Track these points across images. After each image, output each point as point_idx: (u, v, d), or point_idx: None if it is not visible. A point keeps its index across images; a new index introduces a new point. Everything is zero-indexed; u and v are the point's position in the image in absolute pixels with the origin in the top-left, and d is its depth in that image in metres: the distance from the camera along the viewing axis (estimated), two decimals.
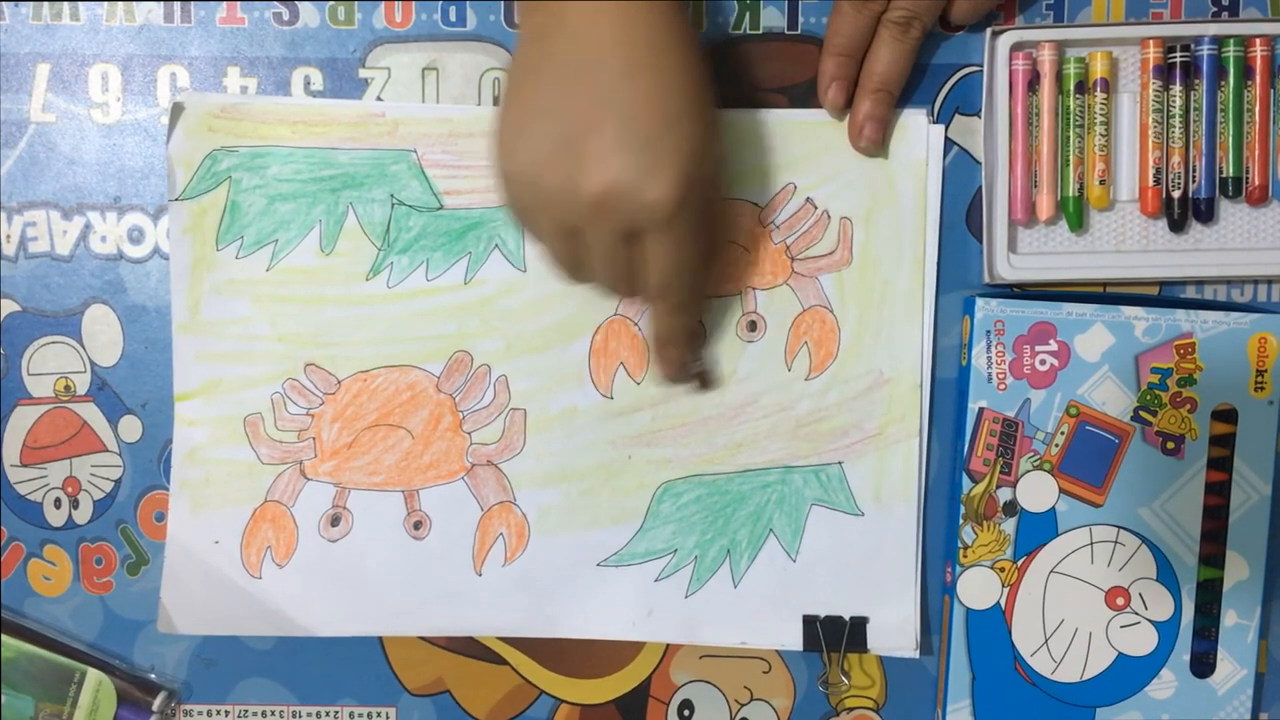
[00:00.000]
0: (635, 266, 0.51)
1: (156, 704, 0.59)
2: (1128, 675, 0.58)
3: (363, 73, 0.58)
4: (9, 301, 0.59)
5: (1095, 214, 0.58)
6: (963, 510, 0.57)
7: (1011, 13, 0.58)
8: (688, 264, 0.51)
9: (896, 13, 0.55)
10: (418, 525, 0.58)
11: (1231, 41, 0.56)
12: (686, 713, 0.60)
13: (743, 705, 0.60)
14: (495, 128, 0.50)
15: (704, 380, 0.58)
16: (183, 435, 0.59)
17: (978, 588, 0.58)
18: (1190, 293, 0.59)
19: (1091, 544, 0.57)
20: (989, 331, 0.57)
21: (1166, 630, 0.58)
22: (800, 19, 0.58)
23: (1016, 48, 0.56)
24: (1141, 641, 0.58)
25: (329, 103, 0.58)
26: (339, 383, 0.58)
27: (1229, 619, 0.57)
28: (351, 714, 0.60)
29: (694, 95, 0.49)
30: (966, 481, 0.57)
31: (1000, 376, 0.57)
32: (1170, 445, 0.57)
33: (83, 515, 0.59)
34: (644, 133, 0.48)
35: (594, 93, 0.48)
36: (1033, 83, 0.57)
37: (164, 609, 0.59)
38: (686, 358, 0.56)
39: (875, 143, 0.57)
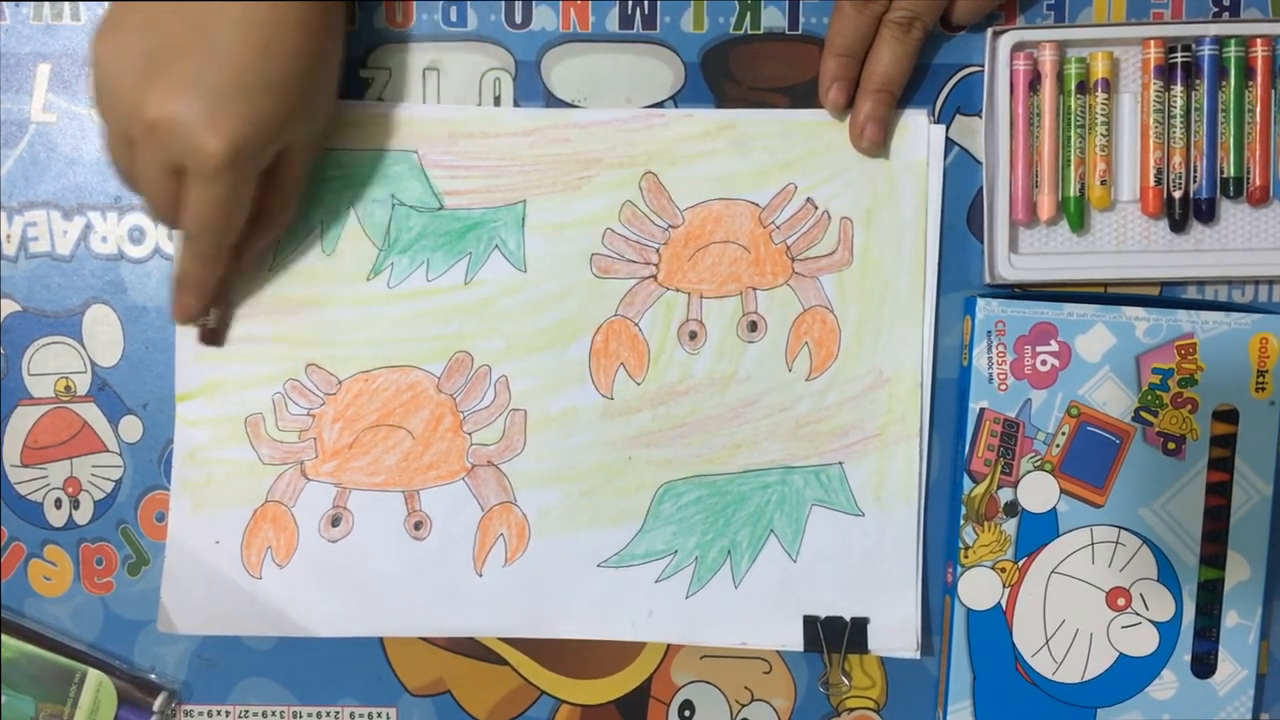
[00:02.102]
0: (178, 199, 0.51)
1: (157, 704, 0.59)
2: (1129, 676, 0.58)
3: (363, 73, 0.58)
4: (9, 301, 0.59)
5: (1096, 214, 0.58)
6: (963, 511, 0.57)
7: (1012, 13, 0.58)
8: (222, 220, 0.51)
9: (898, 13, 0.55)
10: (418, 526, 0.58)
11: (1233, 42, 0.56)
12: (687, 713, 0.60)
13: (743, 706, 0.60)
14: (108, 9, 0.51)
15: (209, 337, 0.58)
16: (183, 435, 0.59)
17: (978, 588, 0.57)
18: (1191, 293, 0.59)
19: (1092, 544, 0.57)
20: (990, 332, 0.57)
21: (1167, 631, 0.58)
22: (801, 19, 0.58)
23: (1017, 48, 0.56)
24: (1142, 642, 0.58)
25: None
26: (340, 383, 0.58)
27: (1230, 619, 0.57)
28: (352, 714, 0.60)
29: (299, 72, 0.50)
30: (967, 482, 0.57)
31: (1001, 377, 0.57)
32: (1171, 446, 0.57)
33: (83, 515, 0.59)
34: (224, 82, 0.48)
35: (201, 23, 0.49)
36: (1034, 83, 0.57)
37: (164, 609, 0.59)
38: (197, 308, 0.56)
39: (876, 143, 0.57)
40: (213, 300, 0.56)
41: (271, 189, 0.54)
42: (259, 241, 0.56)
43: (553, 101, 0.58)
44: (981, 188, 0.58)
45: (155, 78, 0.49)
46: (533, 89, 0.58)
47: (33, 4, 0.58)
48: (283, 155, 0.53)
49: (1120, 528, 0.57)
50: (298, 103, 0.51)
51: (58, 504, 0.59)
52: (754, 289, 0.58)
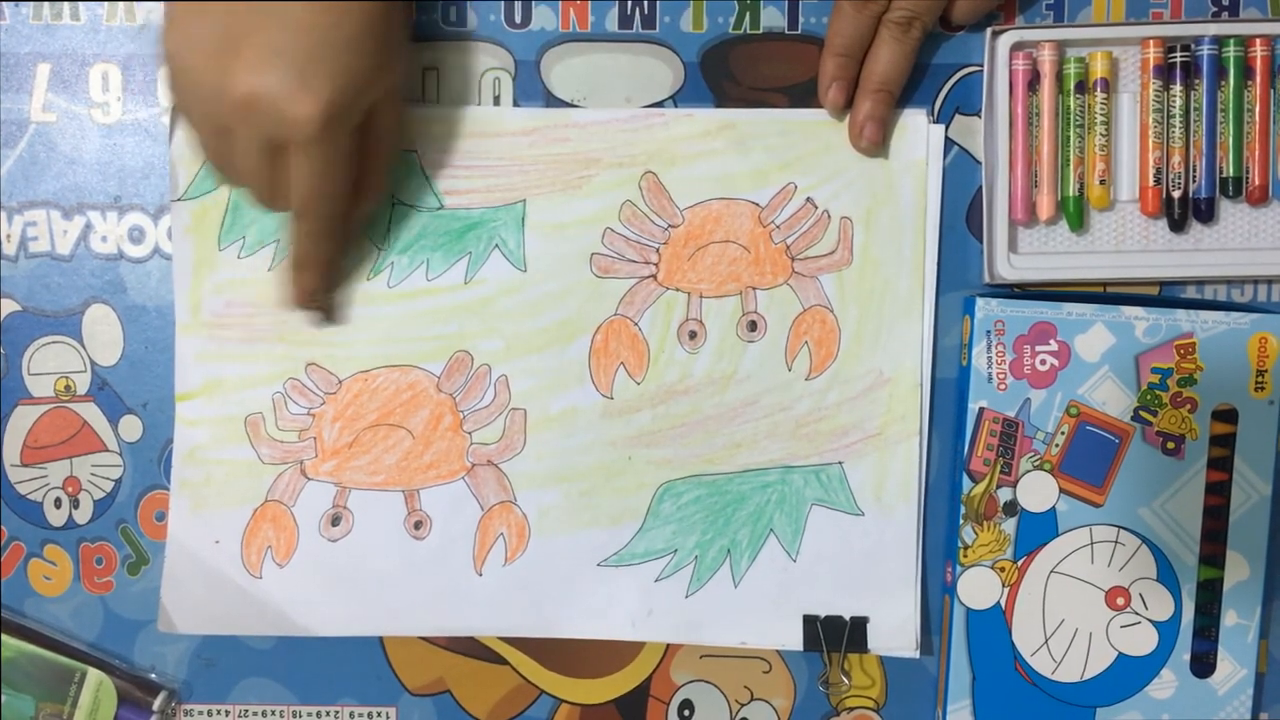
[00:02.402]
0: (280, 180, 0.51)
1: (157, 704, 0.59)
2: (1128, 675, 0.58)
3: None
4: (9, 301, 0.59)
5: (1095, 214, 0.58)
6: (963, 510, 0.57)
7: (1011, 13, 0.58)
8: (329, 189, 0.51)
9: (897, 13, 0.55)
10: (418, 525, 0.58)
11: (1232, 41, 0.56)
12: (687, 713, 0.60)
13: (743, 705, 0.60)
14: (165, 6, 0.50)
15: (328, 314, 0.58)
16: (183, 435, 0.59)
17: (978, 588, 0.58)
18: (1190, 293, 0.59)
19: (1092, 544, 0.57)
20: (989, 331, 0.57)
21: (1167, 630, 0.58)
22: (800, 19, 0.58)
23: (1017, 48, 0.56)
24: (1142, 641, 0.58)
25: None
26: (340, 382, 0.58)
27: (1229, 619, 0.57)
28: (352, 714, 0.60)
29: (372, 27, 0.49)
30: (967, 481, 0.57)
31: (1000, 376, 0.57)
32: (1170, 445, 0.57)
33: (83, 515, 0.59)
34: (304, 48, 0.48)
35: None
36: (1033, 83, 0.57)
37: (164, 609, 0.59)
38: (317, 286, 0.56)
39: (875, 143, 0.57)
40: (332, 278, 0.56)
41: (364, 153, 0.53)
42: (362, 210, 0.55)
43: (552, 101, 0.58)
44: (981, 187, 0.58)
45: (235, 56, 0.48)
46: (532, 89, 0.58)
47: (33, 4, 0.59)
48: (370, 115, 0.52)
49: (1119, 527, 0.57)
50: (378, 53, 0.50)
51: (57, 503, 0.59)
52: (754, 288, 0.58)
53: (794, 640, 0.58)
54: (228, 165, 0.52)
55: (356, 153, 0.52)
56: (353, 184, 0.53)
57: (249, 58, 0.48)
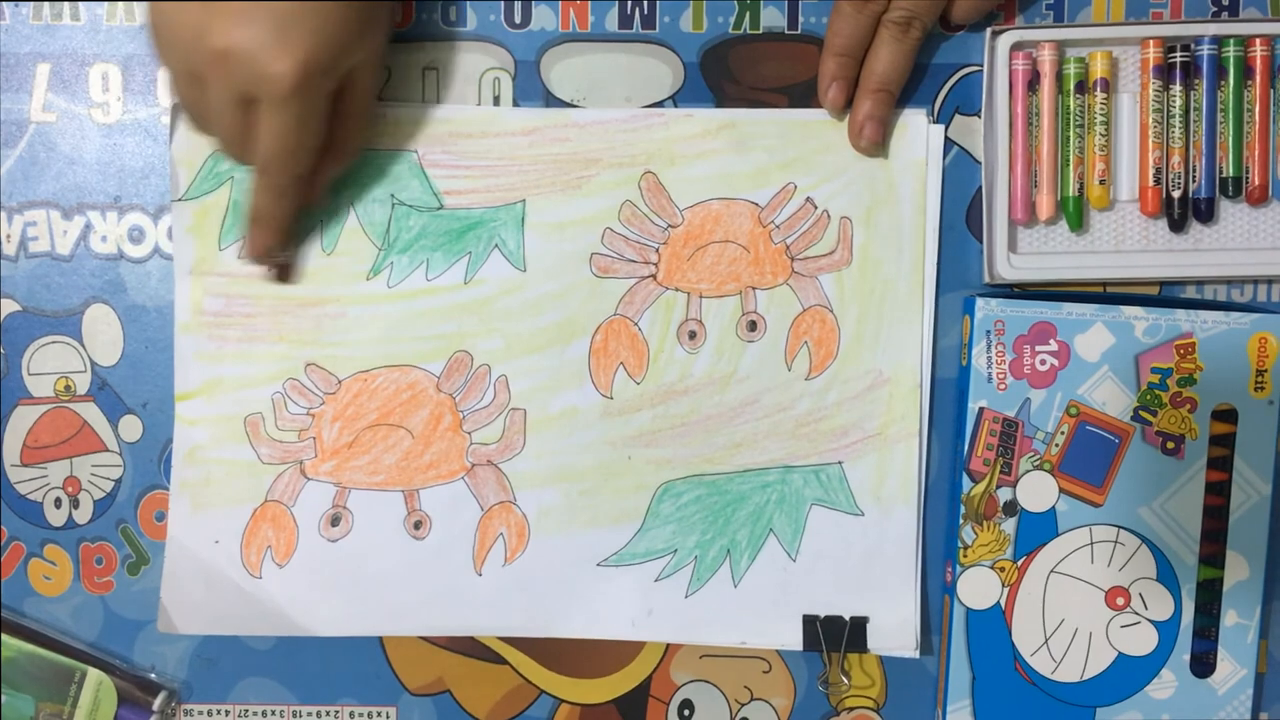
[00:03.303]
0: (250, 132, 0.51)
1: (157, 704, 0.59)
2: (1128, 675, 0.58)
3: None
4: (9, 301, 0.59)
5: (1095, 214, 0.58)
6: (963, 510, 0.57)
7: (1011, 13, 0.58)
8: (297, 147, 0.51)
9: (896, 13, 0.55)
10: (418, 525, 0.58)
11: (1231, 41, 0.56)
12: (687, 712, 0.60)
13: (743, 705, 0.60)
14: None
15: (283, 273, 0.58)
16: (183, 435, 0.59)
17: (978, 587, 0.58)
18: (1190, 293, 0.59)
19: (1091, 544, 0.57)
20: (989, 331, 0.57)
21: (1166, 630, 0.58)
22: (800, 19, 0.58)
23: (1016, 48, 0.56)
24: (1141, 641, 0.58)
25: None
26: (339, 382, 0.58)
27: (1229, 619, 0.57)
28: (351, 714, 0.60)
29: None
30: (966, 481, 0.57)
31: (1000, 376, 0.57)
32: (1170, 445, 0.57)
33: (83, 515, 0.59)
34: (286, 5, 0.48)
35: None
36: (1033, 83, 0.57)
37: (164, 609, 0.59)
38: (272, 243, 0.55)
39: (875, 143, 0.57)
40: (288, 236, 0.56)
41: (338, 115, 0.53)
42: (329, 172, 0.55)
43: (552, 101, 0.58)
44: (980, 187, 0.58)
45: (216, 8, 0.48)
46: (532, 89, 0.58)
47: (33, 4, 0.59)
48: (347, 79, 0.52)
49: (1119, 527, 0.57)
50: (360, 19, 0.50)
51: (57, 503, 0.59)
52: (753, 288, 0.58)
53: (794, 640, 0.58)
54: (200, 113, 0.52)
55: (329, 114, 0.52)
56: (322, 145, 0.53)
57: (229, 10, 0.48)
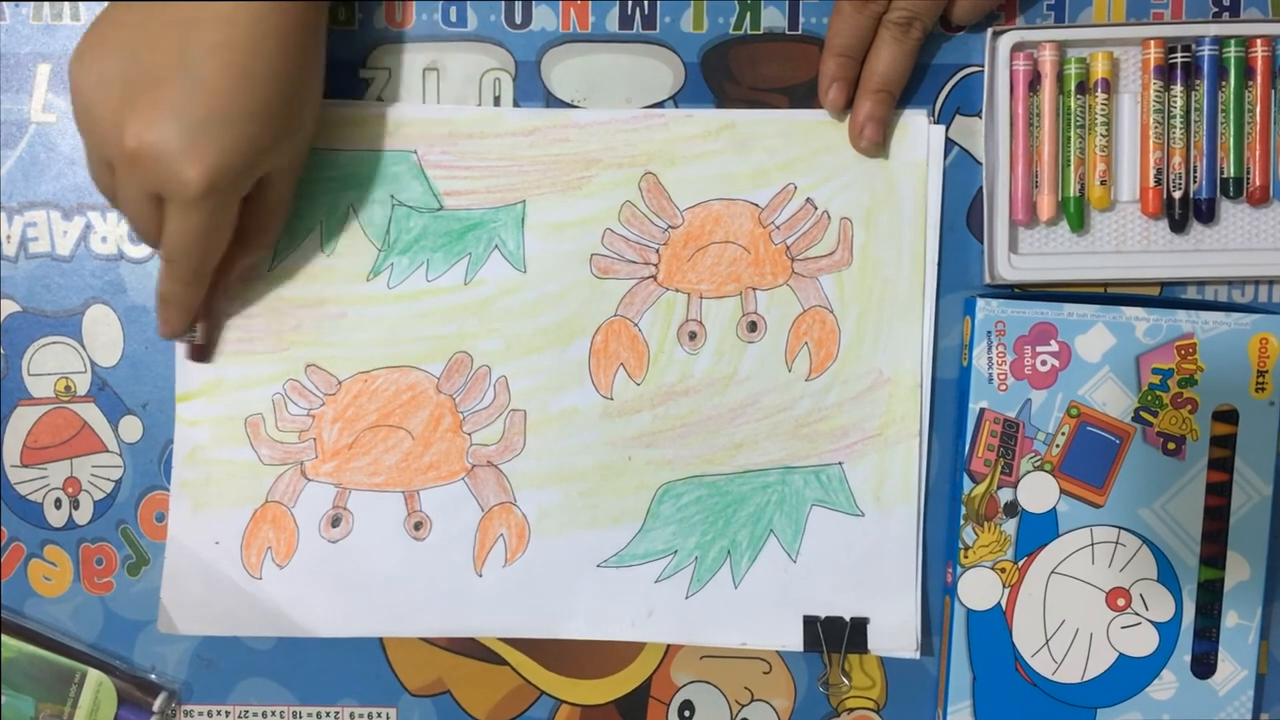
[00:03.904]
0: (159, 223, 0.51)
1: (157, 704, 0.59)
2: (1128, 676, 0.58)
3: (363, 73, 0.58)
4: (9, 301, 0.59)
5: (1096, 214, 0.58)
6: (963, 511, 0.57)
7: (1012, 13, 0.58)
8: (202, 246, 0.51)
9: (897, 13, 0.55)
10: (418, 526, 0.58)
11: (1232, 42, 0.56)
12: (687, 713, 0.60)
13: (743, 706, 0.60)
14: (86, 31, 0.50)
15: (197, 353, 0.58)
16: (183, 435, 0.59)
17: (978, 588, 0.57)
18: (1191, 293, 0.59)
19: (1092, 545, 0.57)
20: (990, 332, 0.57)
21: (1167, 631, 0.58)
22: (800, 19, 0.58)
23: (1017, 48, 0.56)
24: (1142, 642, 0.58)
25: (330, 103, 0.58)
26: (339, 383, 0.58)
27: (1230, 620, 0.57)
28: (351, 714, 0.60)
29: (281, 97, 0.50)
30: (967, 482, 0.57)
31: (1001, 377, 0.57)
32: (1171, 446, 0.57)
33: (83, 515, 0.59)
34: (203, 112, 0.48)
35: (180, 50, 0.48)
36: (1034, 83, 0.57)
37: (164, 609, 0.59)
38: (180, 326, 0.56)
39: (876, 143, 0.57)
40: (196, 317, 0.56)
41: (253, 212, 0.53)
42: (241, 262, 0.55)
43: (552, 101, 0.58)
44: (981, 188, 0.58)
45: (133, 107, 0.48)
46: (532, 89, 0.58)
47: (32, 4, 0.58)
48: (264, 180, 0.52)
49: (1120, 528, 0.57)
50: (278, 128, 0.51)
51: (57, 504, 0.59)
52: (754, 289, 0.58)
53: (794, 641, 0.58)
54: (111, 196, 0.52)
55: (244, 213, 0.52)
56: (231, 240, 0.53)
57: (145, 112, 0.48)
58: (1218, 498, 0.57)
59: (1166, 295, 0.59)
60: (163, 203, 0.50)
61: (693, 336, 0.58)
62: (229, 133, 0.49)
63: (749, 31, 0.58)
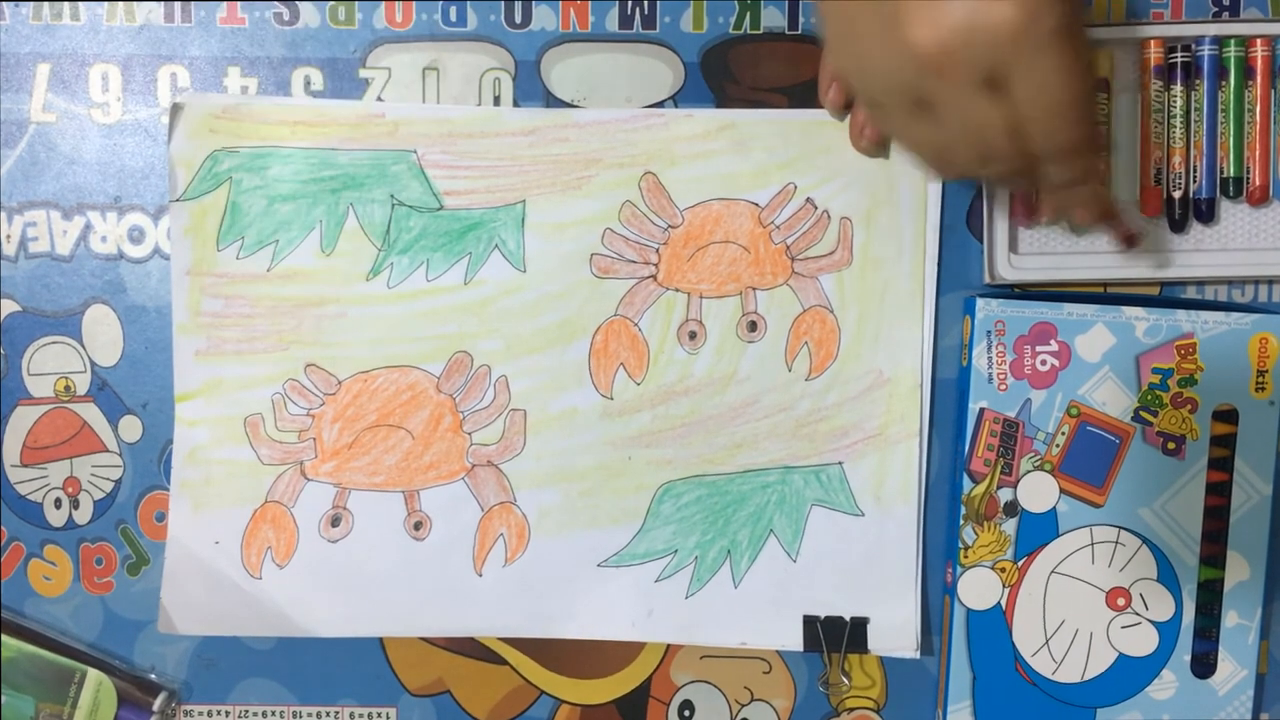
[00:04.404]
0: (1011, 125, 0.44)
1: (157, 704, 0.59)
2: (1128, 676, 0.58)
3: (363, 73, 0.58)
4: (9, 301, 0.59)
5: None
6: (963, 510, 0.57)
7: None
8: (1076, 91, 0.43)
9: None
10: (418, 526, 0.58)
11: (1232, 42, 0.56)
12: (687, 713, 0.60)
13: (743, 706, 0.60)
14: (824, 25, 0.46)
15: (1134, 241, 0.54)
16: (183, 435, 0.59)
17: (978, 588, 0.57)
18: (1191, 293, 0.59)
19: (1092, 544, 0.57)
20: (989, 332, 0.57)
21: (1167, 631, 0.58)
22: (801, 19, 0.58)
23: None
24: (1142, 642, 0.58)
25: (329, 103, 0.58)
26: (339, 383, 0.58)
27: (1230, 619, 0.57)
28: (352, 714, 0.60)
29: None
30: (967, 482, 0.57)
31: (1001, 377, 0.57)
32: (1171, 445, 0.57)
33: (83, 515, 0.59)
34: None
35: None
36: None
37: (164, 609, 0.59)
38: (1112, 205, 0.50)
39: (876, 143, 0.57)
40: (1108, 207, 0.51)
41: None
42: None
43: (552, 101, 0.58)
44: (981, 187, 0.58)
45: (894, 15, 0.42)
46: (532, 89, 0.58)
47: (32, 4, 0.58)
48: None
49: (1120, 528, 0.57)
50: None
51: (57, 504, 0.59)
52: (754, 289, 0.58)
53: (794, 641, 0.58)
54: (942, 152, 0.47)
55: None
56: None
57: (915, 11, 0.42)
58: (1218, 497, 0.57)
59: (1166, 295, 0.59)
60: (1000, 89, 0.43)
61: (693, 336, 0.58)
62: None
63: (749, 31, 0.58)
